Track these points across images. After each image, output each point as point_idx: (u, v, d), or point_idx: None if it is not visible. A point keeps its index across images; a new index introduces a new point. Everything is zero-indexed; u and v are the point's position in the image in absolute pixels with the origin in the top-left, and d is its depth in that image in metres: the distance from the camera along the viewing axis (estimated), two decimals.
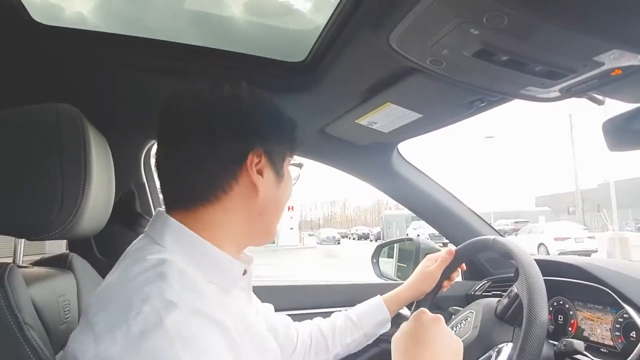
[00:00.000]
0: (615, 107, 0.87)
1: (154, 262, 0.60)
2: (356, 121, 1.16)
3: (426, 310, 0.86)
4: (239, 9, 1.04)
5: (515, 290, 1.01)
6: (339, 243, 35.93)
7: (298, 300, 1.45)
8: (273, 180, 0.73)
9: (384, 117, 1.10)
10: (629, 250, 14.25)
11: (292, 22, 1.04)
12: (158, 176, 0.74)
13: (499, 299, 1.08)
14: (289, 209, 33.00)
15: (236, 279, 0.73)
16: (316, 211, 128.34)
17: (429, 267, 1.17)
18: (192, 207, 0.69)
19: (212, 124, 0.68)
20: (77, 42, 0.95)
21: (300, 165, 0.83)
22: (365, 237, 43.89)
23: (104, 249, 1.28)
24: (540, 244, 16.49)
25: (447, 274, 1.18)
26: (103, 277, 1.00)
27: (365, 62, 0.90)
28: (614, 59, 0.64)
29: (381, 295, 1.17)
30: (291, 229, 32.93)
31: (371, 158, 1.43)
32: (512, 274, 1.27)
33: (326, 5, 0.87)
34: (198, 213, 0.69)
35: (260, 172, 0.70)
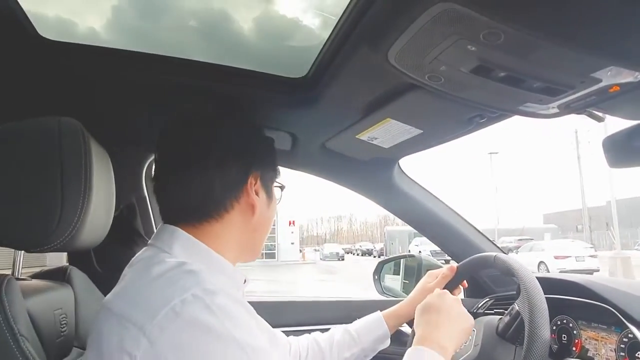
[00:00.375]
0: (616, 124, 0.86)
1: (174, 264, 0.65)
2: (357, 136, 1.16)
3: (447, 291, 1.01)
4: (243, 25, 1.05)
5: (517, 308, 1.00)
6: (342, 259, 34.74)
7: (296, 317, 1.44)
8: (265, 201, 0.81)
9: (384, 132, 1.11)
10: (631, 270, 14.08)
11: (293, 38, 1.05)
12: (158, 191, 0.78)
13: (500, 317, 1.06)
14: (290, 223, 32.58)
15: (239, 285, 0.79)
16: (322, 226, 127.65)
17: (430, 283, 1.16)
18: (196, 223, 0.74)
19: (221, 149, 0.75)
20: (82, 57, 0.96)
21: (282, 187, 0.89)
22: (369, 253, 43.40)
23: (104, 262, 1.28)
24: (541, 262, 16.38)
25: (448, 290, 1.17)
26: (102, 290, 1.02)
27: (365, 77, 0.90)
28: (612, 76, 0.65)
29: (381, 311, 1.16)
30: (292, 243, 32.65)
31: (372, 174, 1.43)
32: (515, 292, 1.25)
33: (327, 21, 0.88)
34: (202, 227, 0.74)
35: (256, 193, 0.78)
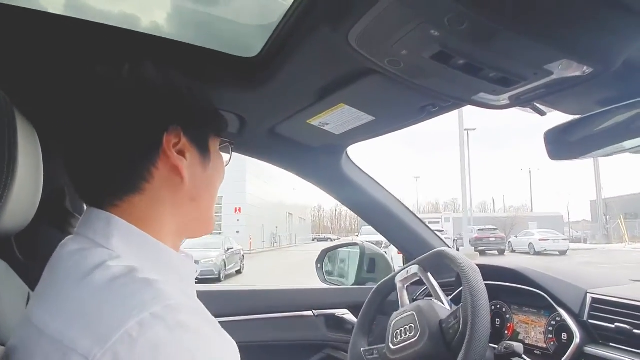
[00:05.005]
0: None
1: (121, 271, 0.55)
2: (308, 121, 1.14)
3: None
4: None
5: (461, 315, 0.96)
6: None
7: (243, 306, 1.40)
8: (199, 161, 0.67)
9: (337, 118, 1.09)
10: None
11: (245, 15, 1.00)
12: (71, 170, 0.66)
13: (446, 315, 1.03)
14: (235, 210, 31.06)
15: (190, 276, 0.70)
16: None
17: None
18: (117, 202, 0.62)
19: (119, 108, 0.62)
20: (10, 21, 0.85)
21: (231, 143, 0.78)
22: (325, 240, 44.70)
23: (26, 250, 1.16)
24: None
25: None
26: (25, 280, 0.91)
27: (322, 60, 0.88)
28: (562, 69, 0.67)
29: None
30: (237, 232, 30.04)
31: (320, 160, 1.42)
32: (454, 279, 1.30)
33: None
34: (127, 208, 0.63)
35: (182, 154, 0.65)
